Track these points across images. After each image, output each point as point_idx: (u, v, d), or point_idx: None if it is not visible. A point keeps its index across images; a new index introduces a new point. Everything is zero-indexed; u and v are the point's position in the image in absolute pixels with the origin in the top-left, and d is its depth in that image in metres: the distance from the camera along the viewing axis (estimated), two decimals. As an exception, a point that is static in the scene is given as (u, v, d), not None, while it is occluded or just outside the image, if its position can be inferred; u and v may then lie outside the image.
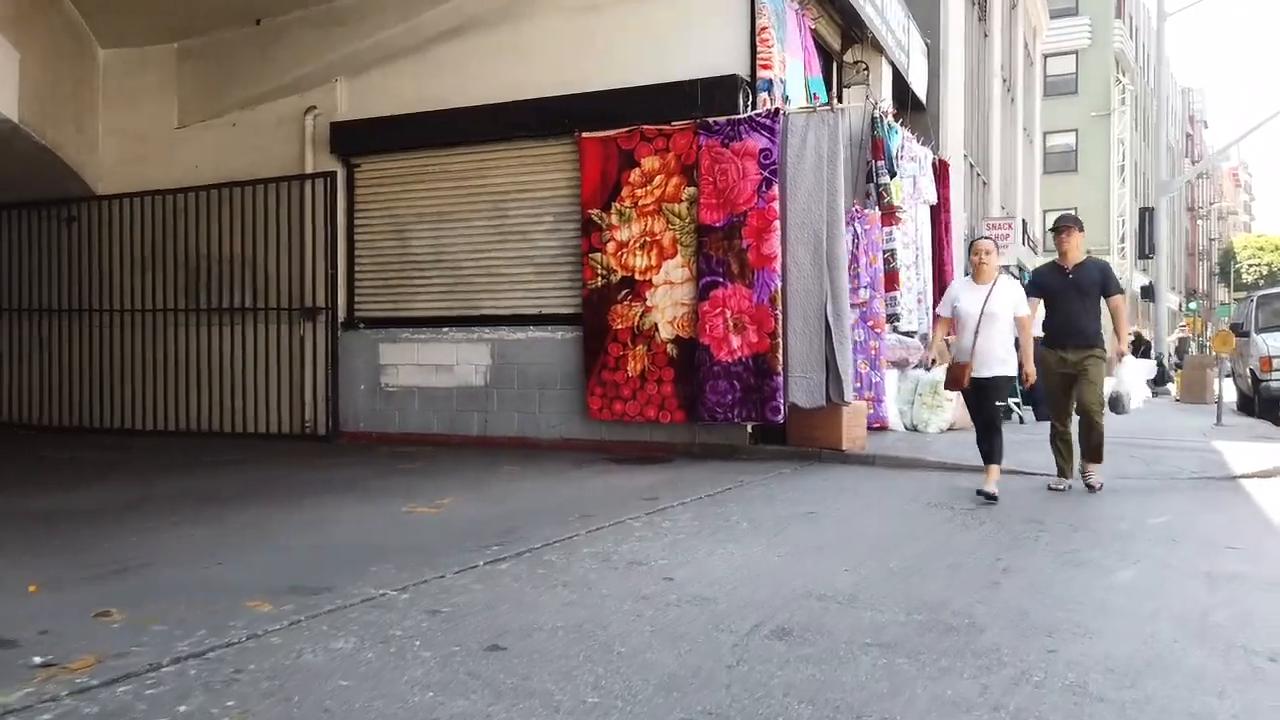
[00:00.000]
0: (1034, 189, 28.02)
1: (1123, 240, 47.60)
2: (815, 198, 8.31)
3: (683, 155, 8.74)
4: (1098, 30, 47.64)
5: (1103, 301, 6.83)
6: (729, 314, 8.41)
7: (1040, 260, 29.49)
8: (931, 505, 6.29)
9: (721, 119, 8.55)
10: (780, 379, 8.20)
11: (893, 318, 11.27)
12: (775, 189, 8.28)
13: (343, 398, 10.33)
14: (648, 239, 8.87)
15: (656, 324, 8.81)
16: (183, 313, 10.94)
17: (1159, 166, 27.23)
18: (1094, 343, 6.81)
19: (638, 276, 8.91)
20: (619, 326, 8.96)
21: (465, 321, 9.82)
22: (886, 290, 11.13)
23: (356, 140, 10.16)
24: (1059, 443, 7.33)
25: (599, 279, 9.06)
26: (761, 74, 8.65)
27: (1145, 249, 27.16)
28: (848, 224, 10.95)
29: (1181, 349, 28.11)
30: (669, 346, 8.76)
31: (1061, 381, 7.12)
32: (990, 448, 6.84)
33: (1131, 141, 50.72)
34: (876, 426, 10.75)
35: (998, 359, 6.77)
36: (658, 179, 8.82)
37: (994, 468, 6.74)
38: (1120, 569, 4.53)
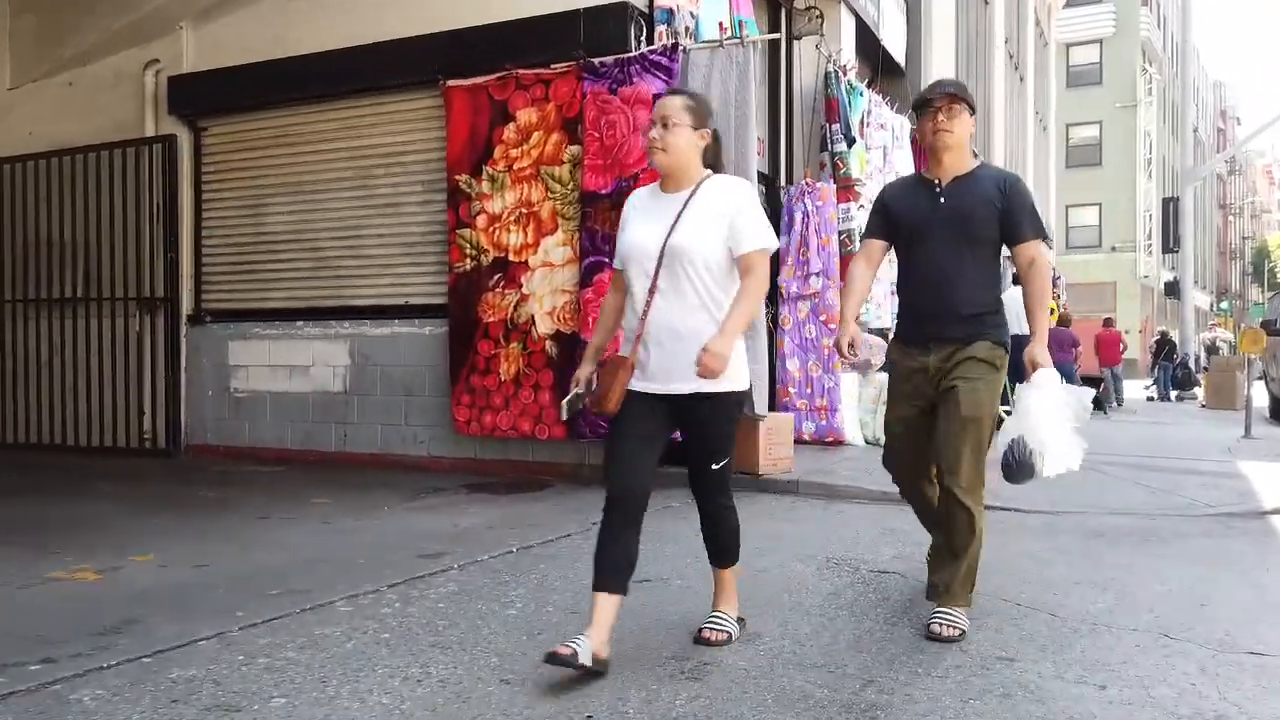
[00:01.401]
0: (1048, 180, 26.04)
1: (1149, 237, 45.50)
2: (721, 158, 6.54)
3: (564, 106, 6.99)
4: (1123, 18, 45.50)
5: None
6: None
7: (1053, 255, 27.44)
8: (829, 565, 4.51)
9: (609, 59, 6.81)
10: (680, 385, 6.43)
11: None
12: (674, 145, 6.52)
13: (188, 405, 8.67)
14: (524, 211, 7.13)
15: (533, 316, 7.07)
16: (8, 304, 9.32)
17: (1184, 154, 25.21)
18: (980, 333, 3.53)
19: (512, 257, 7.18)
20: (490, 319, 7.24)
21: (323, 314, 8.14)
22: (843, 278, 9.32)
23: (201, 97, 8.50)
24: (928, 526, 4.00)
25: (467, 260, 7.34)
26: (660, 1, 6.90)
27: (1170, 242, 25.18)
28: (796, 200, 9.20)
29: (1213, 349, 25.97)
30: (548, 344, 7.02)
31: (910, 412, 3.69)
32: (616, 559, 3.11)
33: (1159, 135, 48.56)
34: (830, 441, 8.98)
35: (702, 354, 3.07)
36: (535, 136, 7.09)
37: (606, 607, 3.04)
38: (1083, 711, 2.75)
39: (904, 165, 11.32)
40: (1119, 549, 4.92)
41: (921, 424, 3.66)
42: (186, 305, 8.67)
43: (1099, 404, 17.68)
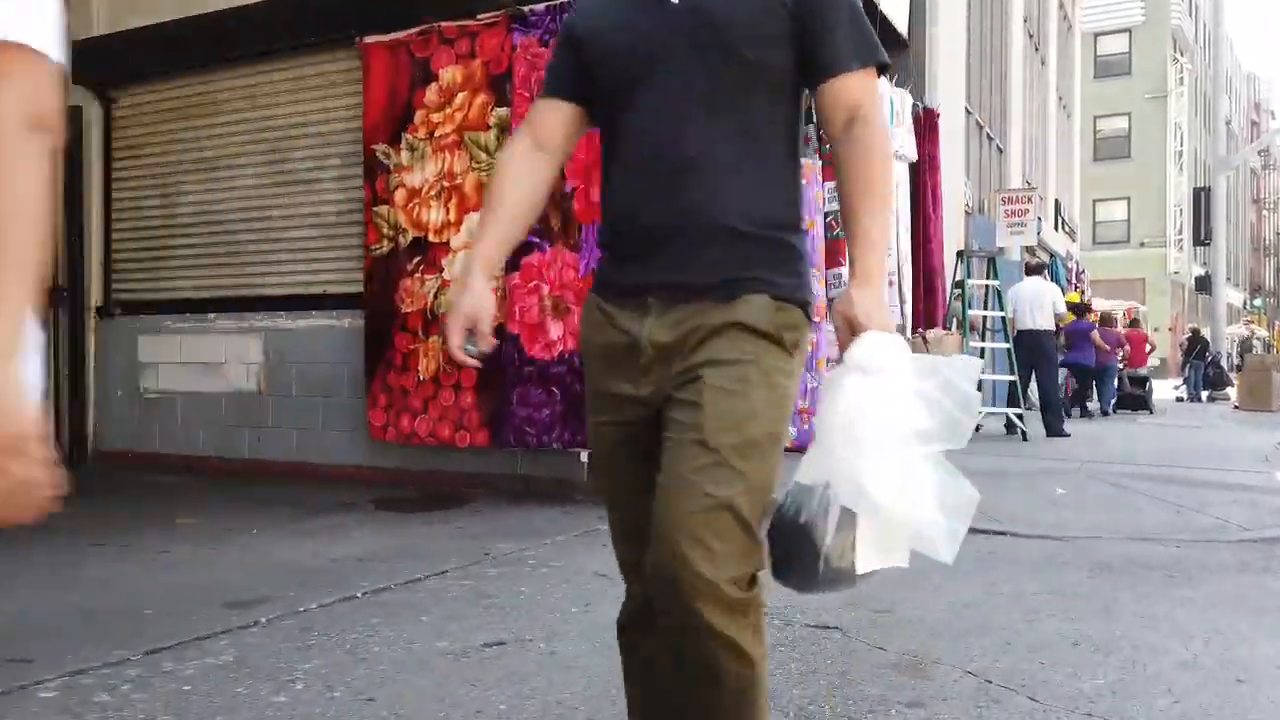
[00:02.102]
0: (1073, 170, 24.83)
1: (1179, 232, 44.03)
2: (667, 114, 5.59)
3: (491, 62, 6.05)
4: (1152, 6, 44.07)
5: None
6: (546, 290, 5.72)
7: (1081, 253, 26.12)
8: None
9: (540, 7, 5.85)
10: (618, 385, 5.48)
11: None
12: (612, 104, 5.57)
13: (97, 408, 7.81)
14: (446, 184, 6.20)
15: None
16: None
17: (1215, 143, 23.92)
18: (756, 278, 1.73)
19: (432, 237, 6.24)
20: (409, 309, 6.30)
21: (235, 305, 7.24)
22: (829, 266, 8.34)
23: (111, 63, 7.61)
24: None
25: (385, 242, 6.42)
26: (598, -62, 5.94)
27: (1201, 234, 23.91)
28: (778, 177, 8.21)
29: (1245, 347, 24.69)
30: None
31: (616, 436, 1.82)
32: None
33: (1190, 127, 47.00)
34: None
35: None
36: (459, 98, 6.15)
37: None
38: None
39: (906, 146, 10.29)
40: (1134, 590, 3.91)
41: (641, 457, 1.76)
42: (94, 296, 7.80)
43: (1144, 403, 16.49)
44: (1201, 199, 23.70)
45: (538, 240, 5.73)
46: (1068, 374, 13.95)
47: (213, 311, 7.30)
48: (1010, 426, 10.31)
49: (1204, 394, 22.17)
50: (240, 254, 7.23)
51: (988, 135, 15.33)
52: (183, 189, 7.47)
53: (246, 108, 7.17)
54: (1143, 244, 43.17)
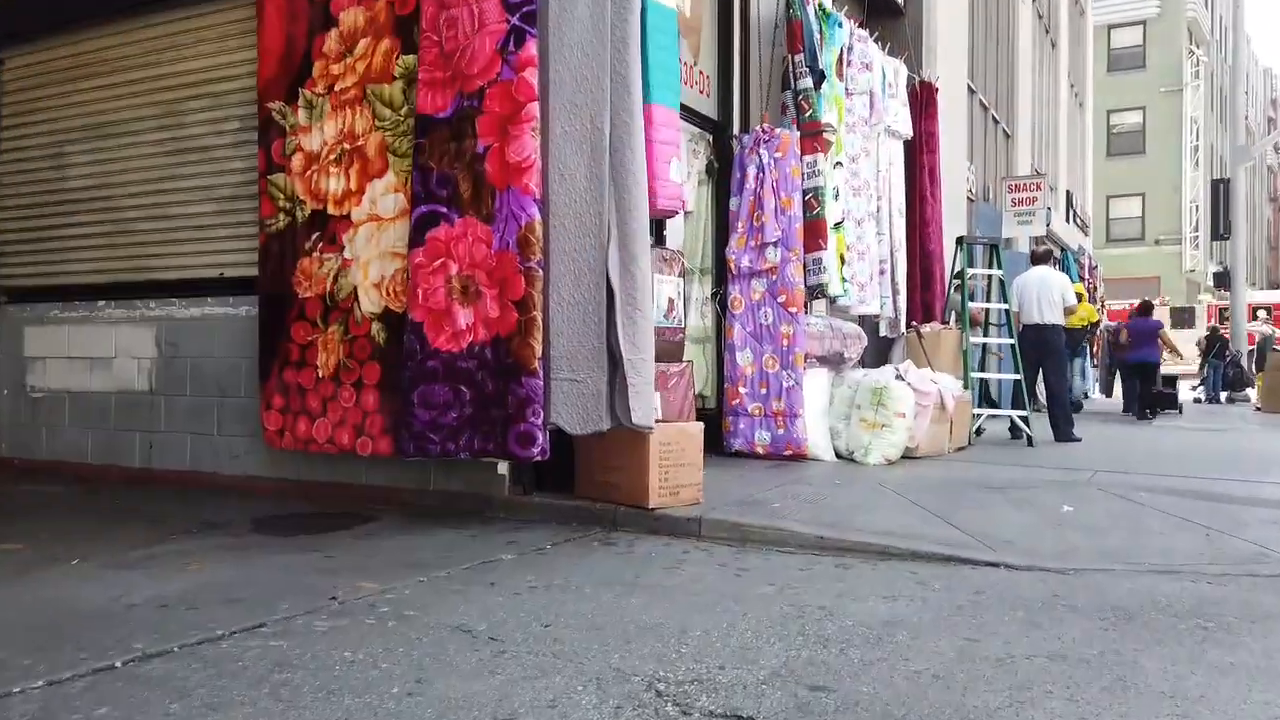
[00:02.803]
0: (1085, 162, 23.80)
1: (1195, 229, 42.95)
2: (595, 62, 4.68)
3: (397, 1, 5.16)
4: (1168, -2, 43.05)
5: None
6: (455, 269, 4.82)
7: (1090, 244, 25.15)
8: (637, 703, 2.59)
9: (451, -67, 4.96)
10: (538, 384, 4.58)
11: (817, 290, 7.54)
12: (532, 47, 4.66)
13: (-18, 406, 6.95)
14: (347, 146, 5.30)
15: (356, 289, 5.24)
16: None
17: (1235, 133, 22.90)
18: None
19: (332, 209, 5.35)
20: (307, 294, 5.41)
21: (127, 291, 6.37)
22: (807, 250, 7.42)
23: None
24: None
25: (280, 215, 5.53)
26: None
27: (1220, 228, 22.87)
28: (750, 151, 7.30)
29: (1264, 345, 23.63)
30: (375, 327, 5.18)
31: None
32: None
33: (1205, 121, 45.92)
34: (789, 455, 7.07)
35: None
36: (362, 44, 5.26)
37: None
38: None
39: (900, 121, 9.36)
40: (1158, 650, 2.99)
41: None
42: (-22, 282, 6.95)
43: (1174, 403, 15.94)
44: (1220, 192, 22.65)
45: (445, 210, 4.83)
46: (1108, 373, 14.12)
47: (104, 299, 6.43)
48: (1015, 430, 9.37)
49: (1223, 395, 21.15)
50: (132, 232, 6.36)
51: (993, 118, 14.36)
52: (73, 160, 6.61)
53: (138, 66, 6.31)
54: (1157, 242, 42.13)
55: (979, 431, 9.65)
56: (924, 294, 10.06)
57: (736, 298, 7.37)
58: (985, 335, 9.90)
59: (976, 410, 9.21)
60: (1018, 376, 9.25)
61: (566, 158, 4.65)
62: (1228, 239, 22.20)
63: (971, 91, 12.93)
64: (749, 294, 7.34)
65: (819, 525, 4.63)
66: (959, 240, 9.54)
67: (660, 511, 4.71)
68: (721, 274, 7.48)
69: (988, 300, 10.19)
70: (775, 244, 7.21)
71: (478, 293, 4.73)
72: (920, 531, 4.63)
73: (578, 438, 4.75)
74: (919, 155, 10.02)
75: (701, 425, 4.99)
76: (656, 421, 4.86)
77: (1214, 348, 20.53)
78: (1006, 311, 9.42)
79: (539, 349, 4.59)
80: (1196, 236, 43.11)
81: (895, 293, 9.41)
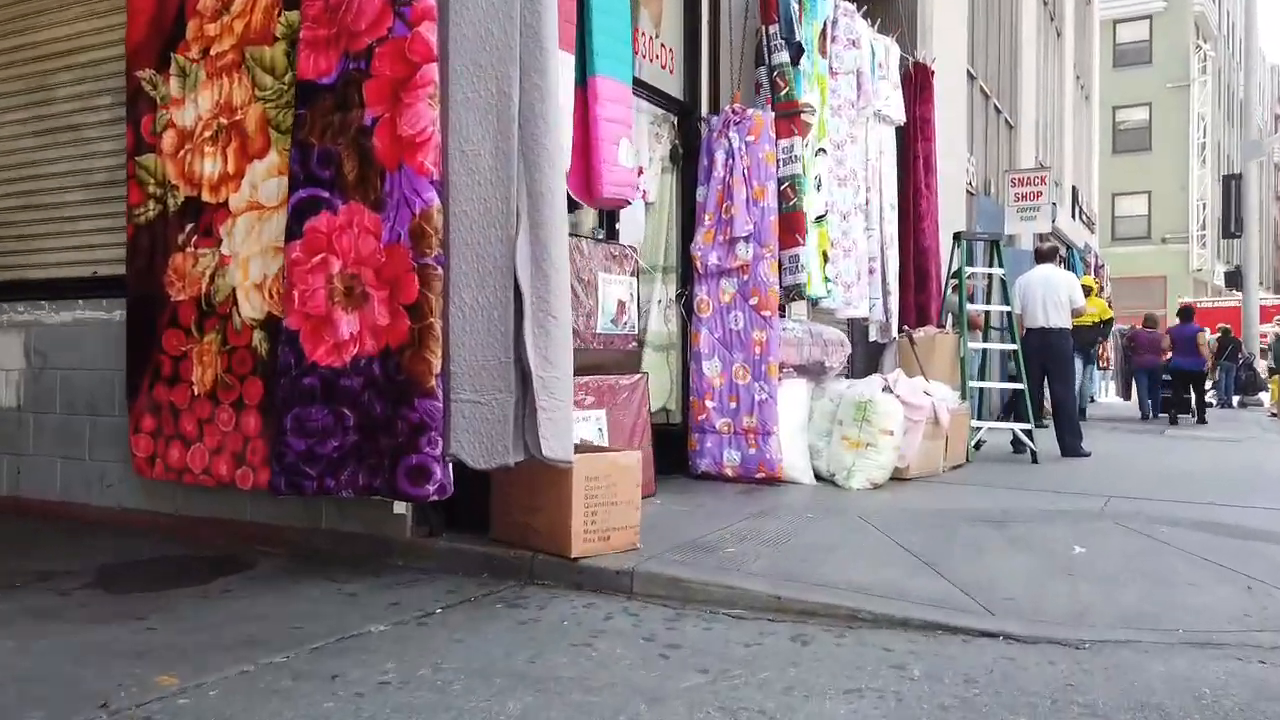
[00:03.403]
0: (1091, 157, 22.92)
1: (1203, 228, 42.11)
2: (501, 12, 3.84)
3: (278, -52, 4.33)
4: (1174, -8, 42.26)
5: None
6: (338, 267, 3.98)
7: (1096, 242, 24.17)
8: None
9: None
10: (435, 406, 3.74)
11: (794, 291, 6.70)
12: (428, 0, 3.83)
13: None
14: (223, 122, 4.47)
15: (236, 290, 4.41)
16: None
17: (1248, 125, 22.01)
18: None
19: (208, 196, 4.52)
20: (180, 296, 4.58)
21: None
22: (784, 245, 6.58)
23: None
24: None
25: (150, 204, 4.70)
26: None
27: (1231, 225, 22.01)
28: (719, 134, 6.47)
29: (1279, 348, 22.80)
30: (256, 336, 4.34)
31: None
32: None
33: (1213, 118, 45.12)
34: (761, 478, 6.24)
35: None
36: (239, 0, 4.43)
37: None
38: None
39: (891, 105, 8.51)
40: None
41: None
42: None
43: (1187, 406, 15.68)
44: (1232, 187, 21.77)
45: (327, 195, 4.00)
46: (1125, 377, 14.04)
47: (-29, 301, 5.61)
48: (1017, 444, 8.53)
49: (1235, 399, 20.31)
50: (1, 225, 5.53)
51: (995, 106, 13.51)
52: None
53: (7, 30, 5.47)
54: (1164, 240, 41.27)
55: (978, 445, 8.81)
56: (918, 295, 9.22)
57: (703, 300, 6.53)
58: (985, 340, 9.05)
59: (975, 423, 8.37)
60: (1021, 386, 8.40)
61: (469, 130, 3.81)
62: (1239, 237, 21.35)
63: (971, 77, 12.07)
64: (717, 295, 6.50)
65: (778, 579, 3.78)
66: (957, 236, 8.70)
67: (585, 562, 3.86)
68: (688, 273, 6.65)
69: (988, 302, 9.34)
70: (746, 239, 6.37)
71: (364, 295, 3.90)
72: (901, 585, 3.78)
73: (494, 469, 3.90)
74: (913, 143, 9.18)
75: (638, 455, 4.14)
76: (591, 449, 4.03)
77: (1226, 350, 19.68)
78: (1008, 314, 8.57)
79: (437, 363, 3.75)
80: (1204, 235, 42.30)
81: (886, 294, 8.57)
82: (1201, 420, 14.35)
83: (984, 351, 9.17)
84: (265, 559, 4.29)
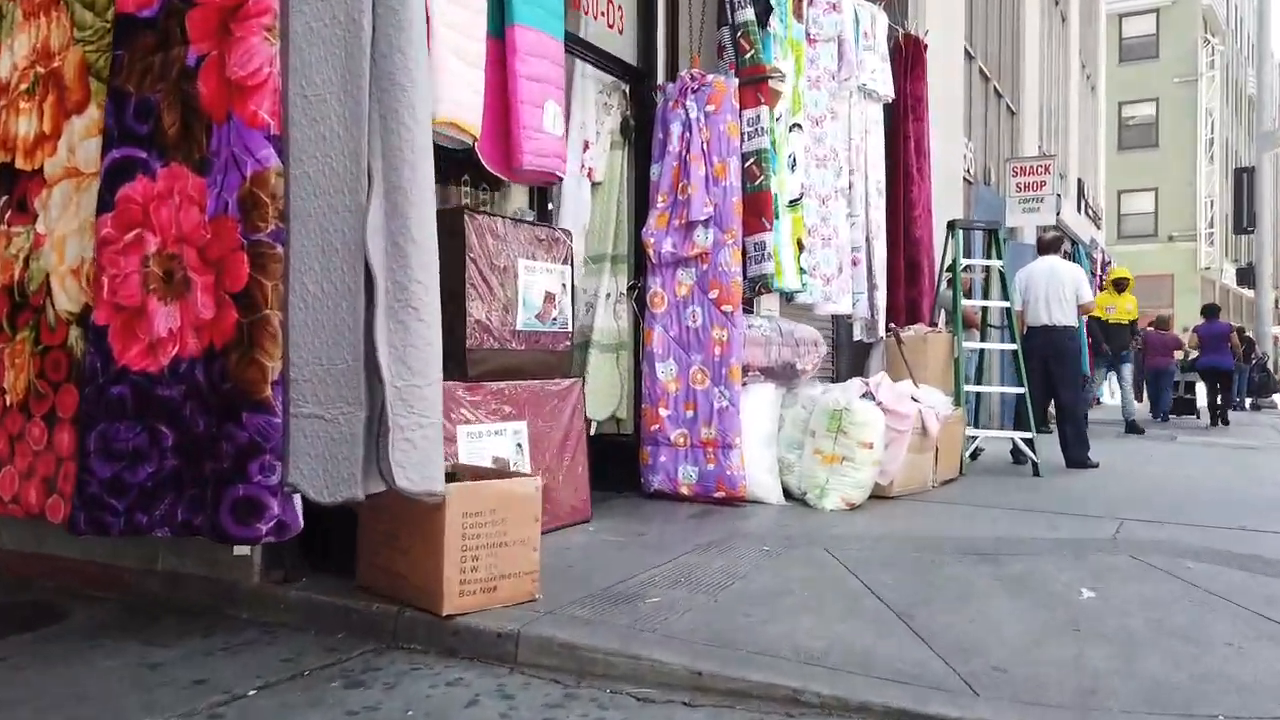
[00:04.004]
0: (1097, 149, 22.05)
1: (1211, 225, 41.27)
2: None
3: None
4: (1181, -15, 41.48)
5: None
6: (154, 246, 3.17)
7: (1103, 237, 23.31)
8: None
9: None
10: (271, 423, 2.92)
11: (760, 282, 5.87)
12: (265, -97, 3.00)
13: None
14: (40, 70, 3.66)
15: (49, 277, 3.60)
16: None
17: (1261, 116, 21.16)
18: None
19: (21, 163, 3.71)
20: (-9, 285, 3.78)
21: None
22: (749, 230, 5.76)
23: None
24: None
25: (-40, 173, 3.89)
26: None
27: (1244, 221, 21.13)
28: (674, 104, 5.66)
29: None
30: (72, 334, 3.53)
31: None
32: None
33: (1221, 114, 44.31)
34: (720, 497, 5.42)
35: None
36: (56, -79, 3.62)
37: None
38: None
39: (879, 80, 7.69)
40: None
41: None
42: None
43: (1193, 408, 15.28)
44: (1244, 181, 20.90)
45: (144, 155, 3.18)
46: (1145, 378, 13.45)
47: None
48: (1018, 454, 7.70)
49: (1248, 401, 19.46)
50: None
51: (996, 90, 12.66)
52: None
53: None
54: (1171, 238, 40.42)
55: (975, 455, 7.99)
56: (909, 289, 8.39)
57: (657, 293, 5.71)
58: (983, 339, 8.22)
59: (971, 431, 7.54)
60: (1022, 390, 7.57)
61: (312, 70, 2.99)
62: (1251, 232, 20.46)
63: (970, 56, 11.24)
64: (673, 288, 5.68)
65: (704, 645, 2.96)
66: (951, 225, 7.86)
67: (463, 620, 3.04)
68: (642, 263, 5.83)
69: (985, 297, 8.50)
70: (706, 223, 5.55)
71: (186, 281, 3.09)
72: (865, 650, 2.96)
73: (340, 503, 3.08)
74: (903, 123, 8.35)
75: (536, 483, 3.30)
76: (480, 475, 3.21)
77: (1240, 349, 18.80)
78: (1008, 311, 7.74)
79: (273, 368, 2.93)
80: (1212, 233, 41.50)
81: (872, 288, 7.74)
82: (1225, 422, 13.99)
83: (981, 352, 8.33)
84: (86, 608, 3.48)
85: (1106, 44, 28.36)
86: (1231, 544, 4.67)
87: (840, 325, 8.08)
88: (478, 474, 3.46)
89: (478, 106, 4.03)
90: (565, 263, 4.73)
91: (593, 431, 5.74)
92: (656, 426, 5.65)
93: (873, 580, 3.80)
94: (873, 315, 7.73)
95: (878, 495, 5.79)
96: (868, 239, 7.71)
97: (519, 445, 4.31)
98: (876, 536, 4.71)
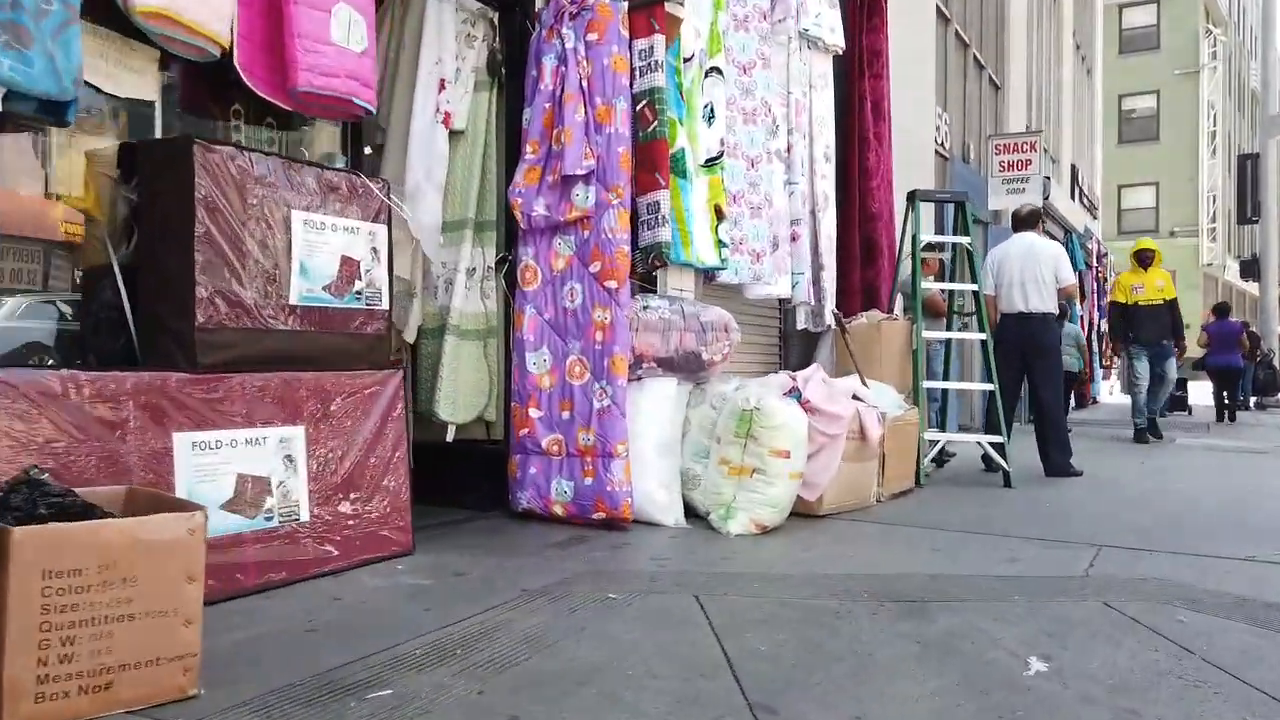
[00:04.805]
0: (1094, 136, 20.94)
1: (1213, 220, 40.30)
2: None
3: None
4: (1182, -27, 40.63)
5: None
6: None
7: (1099, 228, 22.24)
8: None
9: None
10: None
11: (654, 252, 4.79)
12: None
13: None
14: None
15: None
16: None
17: (1268, 99, 20.08)
18: None
19: None
20: None
21: None
22: (641, 189, 4.69)
23: None
24: None
25: None
26: None
27: (1247, 210, 20.04)
28: (549, 34, 4.58)
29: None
30: None
31: None
32: None
33: (1223, 107, 43.42)
34: (600, 518, 4.35)
35: None
36: None
37: None
38: None
39: (825, 27, 6.61)
40: None
41: None
42: None
43: (1184, 404, 14.35)
44: (1247, 169, 19.80)
45: None
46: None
47: None
48: (991, 461, 6.63)
49: (1252, 400, 18.35)
50: None
51: (976, 59, 11.56)
52: None
53: None
54: (1172, 233, 39.35)
55: (943, 461, 6.93)
56: (865, 272, 7.31)
57: (529, 266, 4.65)
58: (948, 328, 7.15)
59: (933, 435, 6.47)
60: (991, 387, 6.49)
61: None
62: (1256, 222, 19.36)
63: (944, 18, 10.14)
64: (548, 260, 4.61)
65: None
66: (911, 195, 6.78)
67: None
68: (509, 233, 4.76)
69: (951, 279, 7.42)
70: (586, 179, 4.48)
71: None
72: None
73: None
74: (858, 81, 7.27)
75: (194, 520, 2.21)
76: (76, 514, 2.12)
77: (1251, 354, 17.71)
78: (976, 294, 6.66)
79: None
80: (1214, 228, 40.56)
81: (819, 268, 6.66)
82: (1231, 419, 13.65)
83: (950, 343, 7.25)
84: None
85: (1105, 35, 27.33)
86: (1238, 582, 3.59)
87: (789, 312, 7.01)
88: (161, 505, 2.39)
89: (225, 4, 2.96)
90: (377, 220, 3.65)
91: (449, 437, 4.67)
92: (526, 431, 4.57)
93: (741, 648, 2.72)
94: (819, 300, 6.65)
95: (803, 514, 4.72)
96: (813, 212, 6.63)
97: (289, 458, 3.24)
98: (777, 575, 3.63)
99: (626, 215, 4.49)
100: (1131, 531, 4.63)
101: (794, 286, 6.36)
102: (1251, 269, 19.58)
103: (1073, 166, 17.29)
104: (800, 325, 6.74)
